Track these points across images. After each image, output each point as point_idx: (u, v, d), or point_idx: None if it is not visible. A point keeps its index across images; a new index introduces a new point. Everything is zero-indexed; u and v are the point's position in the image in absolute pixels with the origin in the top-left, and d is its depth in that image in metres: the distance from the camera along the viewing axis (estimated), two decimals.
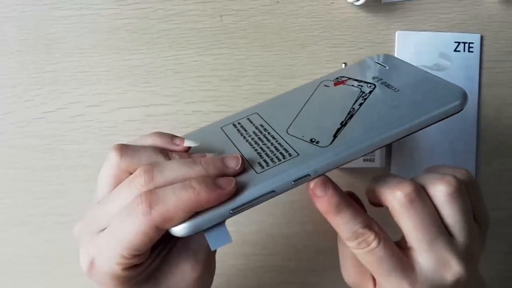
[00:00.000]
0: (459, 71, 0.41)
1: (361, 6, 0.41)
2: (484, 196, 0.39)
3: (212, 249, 0.23)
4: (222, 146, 0.27)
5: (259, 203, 0.24)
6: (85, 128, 0.41)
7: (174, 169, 0.23)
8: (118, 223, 0.22)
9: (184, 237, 0.23)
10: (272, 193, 0.24)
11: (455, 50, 0.41)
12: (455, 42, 0.41)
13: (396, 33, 0.41)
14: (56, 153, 0.41)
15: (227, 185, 0.23)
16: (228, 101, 0.41)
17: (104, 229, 0.23)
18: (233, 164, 0.24)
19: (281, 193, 0.24)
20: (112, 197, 0.24)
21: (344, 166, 0.39)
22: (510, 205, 0.42)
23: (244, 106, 0.40)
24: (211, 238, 0.23)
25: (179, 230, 0.22)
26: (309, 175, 0.24)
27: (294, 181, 0.24)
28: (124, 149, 0.25)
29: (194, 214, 0.22)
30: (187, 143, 0.26)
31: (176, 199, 0.22)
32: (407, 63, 0.33)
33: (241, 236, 0.41)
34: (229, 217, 0.23)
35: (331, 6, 0.41)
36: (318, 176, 0.25)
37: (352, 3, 0.40)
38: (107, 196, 0.24)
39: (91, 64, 0.41)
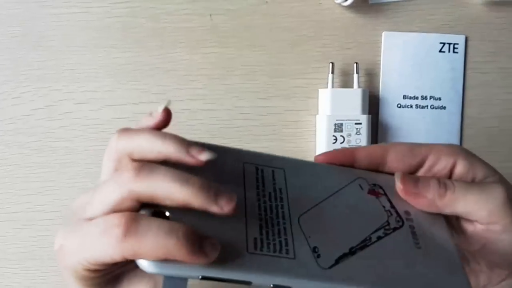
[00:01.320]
0: (444, 71, 0.42)
1: (349, 6, 0.41)
2: None
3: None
4: (234, 182, 0.24)
5: (231, 283, 0.21)
6: (73, 125, 0.41)
7: (165, 179, 0.21)
8: (92, 233, 0.21)
9: None
10: (247, 283, 0.21)
11: (440, 51, 0.42)
12: (440, 43, 0.42)
13: (383, 33, 0.42)
14: (44, 150, 0.41)
15: (211, 252, 0.20)
16: (216, 100, 0.41)
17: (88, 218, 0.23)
18: (223, 204, 0.21)
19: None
20: (101, 188, 0.23)
21: None
22: None
23: (234, 105, 0.41)
24: (168, 284, 0.21)
25: (145, 266, 0.20)
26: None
27: (274, 285, 0.21)
28: (123, 131, 0.23)
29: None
30: (203, 157, 0.22)
31: (154, 242, 0.20)
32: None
33: None
34: (195, 279, 0.21)
35: (319, 7, 0.41)
36: None
37: (339, 4, 0.41)
38: (101, 183, 0.24)
39: (80, 62, 0.41)
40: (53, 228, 0.41)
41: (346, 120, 0.40)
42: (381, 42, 0.42)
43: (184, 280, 0.21)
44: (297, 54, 0.42)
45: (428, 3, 0.42)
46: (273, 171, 0.26)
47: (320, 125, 0.40)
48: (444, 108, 0.42)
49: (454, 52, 0.42)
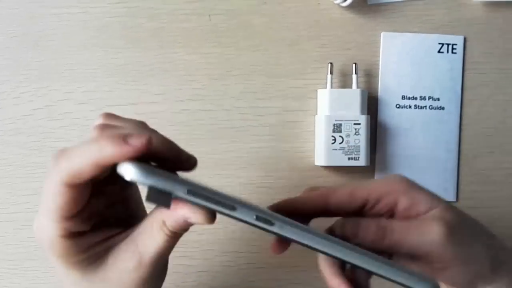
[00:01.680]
0: (443, 72, 0.42)
1: (347, 7, 0.41)
2: (465, 195, 0.40)
3: (145, 200, 0.21)
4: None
5: (219, 209, 0.22)
6: (73, 125, 0.41)
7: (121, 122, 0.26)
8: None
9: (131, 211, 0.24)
10: (231, 207, 0.22)
11: (439, 51, 0.42)
12: (439, 43, 0.42)
13: (382, 34, 0.42)
14: (43, 150, 0.41)
15: (136, 142, 0.21)
16: (216, 100, 0.41)
17: None
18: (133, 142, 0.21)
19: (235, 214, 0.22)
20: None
21: (329, 164, 0.40)
22: (492, 204, 0.43)
23: (232, 105, 0.41)
24: (152, 197, 0.21)
25: (127, 171, 0.20)
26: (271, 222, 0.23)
27: (257, 216, 0.22)
28: (59, 154, 0.23)
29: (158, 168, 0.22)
30: (139, 141, 0.22)
31: (80, 153, 0.21)
32: None
33: (227, 234, 0.42)
34: (182, 199, 0.21)
35: (318, 7, 0.42)
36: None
37: (338, 4, 0.41)
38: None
39: (80, 62, 0.41)
40: None
41: (345, 120, 0.40)
42: (379, 43, 0.42)
43: (168, 195, 0.21)
44: (295, 54, 0.42)
45: (426, 3, 0.42)
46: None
47: (319, 125, 0.40)
48: (443, 108, 0.42)
49: (452, 52, 0.42)
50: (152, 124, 0.41)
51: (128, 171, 0.20)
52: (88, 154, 0.21)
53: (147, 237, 0.24)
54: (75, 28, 0.41)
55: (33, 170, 0.41)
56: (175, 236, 0.24)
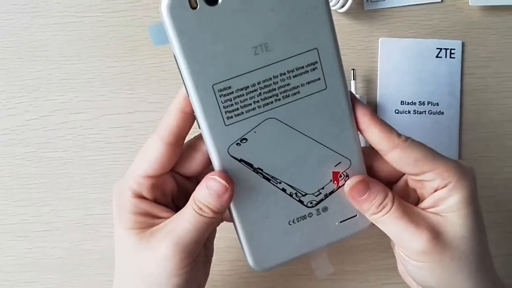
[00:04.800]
0: (441, 77, 0.42)
1: (345, 13, 0.41)
2: None
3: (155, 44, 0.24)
4: None
5: None
6: (69, 135, 0.41)
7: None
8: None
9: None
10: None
11: (437, 56, 0.42)
12: (437, 48, 0.42)
13: (379, 39, 0.42)
14: (40, 160, 0.41)
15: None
16: None
17: None
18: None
19: None
20: None
21: None
22: (493, 209, 0.43)
23: None
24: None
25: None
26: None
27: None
28: None
29: None
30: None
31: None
32: None
33: (226, 243, 0.41)
34: None
35: None
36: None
37: (335, 10, 0.41)
38: None
39: (75, 72, 0.40)
40: (49, 239, 0.41)
41: None
42: (377, 48, 0.42)
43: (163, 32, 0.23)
44: None
45: (423, 9, 0.42)
46: None
47: None
48: (442, 113, 0.42)
49: (451, 57, 0.42)
50: (149, 133, 0.40)
51: None
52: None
53: (180, 217, 0.25)
54: (70, 38, 0.40)
55: (29, 180, 0.41)
56: (206, 217, 0.25)
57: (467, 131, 0.42)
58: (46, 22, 0.40)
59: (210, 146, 0.25)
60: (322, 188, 0.27)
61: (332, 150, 0.26)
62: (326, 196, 0.27)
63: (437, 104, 0.42)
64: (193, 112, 0.24)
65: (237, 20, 0.23)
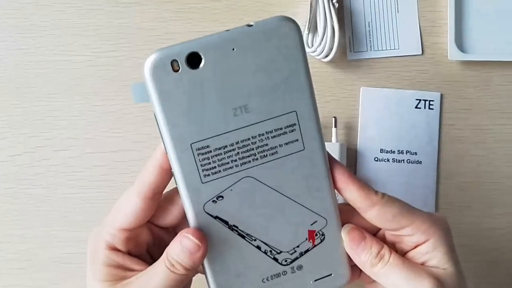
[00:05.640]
0: (420, 127, 0.43)
1: (329, 62, 0.42)
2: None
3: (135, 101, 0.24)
4: None
5: None
6: (51, 172, 0.41)
7: None
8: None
9: None
10: None
11: (416, 107, 0.43)
12: (416, 99, 0.43)
13: (361, 88, 0.43)
14: (19, 197, 0.40)
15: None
16: None
17: None
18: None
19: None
20: None
21: None
22: (467, 258, 0.44)
23: None
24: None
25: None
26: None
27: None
28: None
29: None
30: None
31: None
32: None
33: None
34: None
35: None
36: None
37: (319, 59, 0.42)
38: None
39: (61, 109, 0.41)
40: (25, 276, 0.40)
41: None
42: (358, 97, 0.43)
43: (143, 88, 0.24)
44: None
45: (404, 60, 0.43)
46: None
47: None
48: (420, 162, 0.43)
49: (429, 108, 0.44)
50: (131, 172, 0.41)
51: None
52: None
53: (153, 271, 0.26)
54: (58, 76, 0.41)
55: (5, 217, 0.40)
56: (177, 274, 0.25)
57: (445, 180, 0.43)
58: (35, 59, 0.41)
59: (186, 202, 0.25)
60: (298, 247, 0.27)
61: (308, 209, 0.26)
62: (301, 254, 0.27)
63: (416, 154, 0.43)
64: (171, 168, 0.25)
65: (217, 83, 0.24)
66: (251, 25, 0.24)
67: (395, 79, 0.43)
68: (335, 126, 0.41)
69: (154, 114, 0.24)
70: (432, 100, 0.44)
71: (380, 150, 0.43)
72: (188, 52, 0.23)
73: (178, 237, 0.25)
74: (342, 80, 0.43)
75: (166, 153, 0.24)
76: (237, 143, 0.24)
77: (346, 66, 0.43)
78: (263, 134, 0.25)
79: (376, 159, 0.43)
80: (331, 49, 0.41)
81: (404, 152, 0.43)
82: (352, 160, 0.43)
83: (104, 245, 0.27)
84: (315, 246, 0.27)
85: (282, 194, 0.26)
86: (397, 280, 0.26)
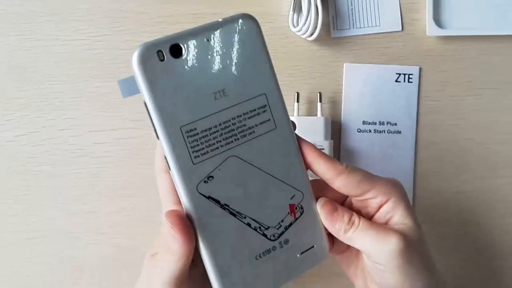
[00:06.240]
0: (400, 99, 0.46)
1: (313, 40, 0.45)
2: (420, 212, 0.44)
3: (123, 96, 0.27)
4: None
5: None
6: (55, 150, 0.44)
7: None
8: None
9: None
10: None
11: (396, 81, 0.46)
12: (396, 73, 0.46)
13: (344, 65, 0.46)
14: (27, 174, 0.43)
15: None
16: None
17: None
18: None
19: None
20: None
21: None
22: (443, 221, 0.47)
23: None
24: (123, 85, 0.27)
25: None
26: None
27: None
28: None
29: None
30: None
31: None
32: None
33: None
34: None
35: (286, 40, 0.45)
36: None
37: (305, 38, 0.44)
38: None
39: (62, 91, 0.43)
40: (35, 247, 0.44)
41: None
42: (342, 73, 0.46)
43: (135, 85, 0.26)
44: None
45: (385, 37, 0.46)
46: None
47: None
48: (400, 132, 0.46)
49: (409, 82, 0.46)
50: (131, 149, 0.44)
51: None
52: None
53: (164, 256, 0.28)
54: (56, 60, 0.43)
55: (15, 192, 0.43)
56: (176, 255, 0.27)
57: (422, 148, 0.47)
58: (33, 45, 0.43)
59: (180, 185, 0.27)
60: (282, 221, 0.29)
61: (287, 184, 0.29)
62: (286, 228, 0.29)
63: (396, 124, 0.46)
64: (164, 155, 0.27)
65: (198, 70, 0.27)
66: (220, 21, 0.27)
67: (376, 54, 0.46)
68: (320, 101, 0.44)
69: (145, 103, 0.26)
70: (411, 74, 0.46)
71: (363, 122, 0.46)
72: (171, 43, 0.26)
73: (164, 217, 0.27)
74: (326, 57, 0.45)
75: (158, 139, 0.26)
76: (219, 124, 0.27)
77: (330, 43, 0.45)
78: (240, 116, 0.28)
79: (359, 130, 0.46)
80: (315, 28, 0.44)
81: (385, 123, 0.46)
82: (336, 132, 0.46)
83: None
84: (296, 219, 0.30)
85: (263, 171, 0.29)
86: (367, 241, 0.30)
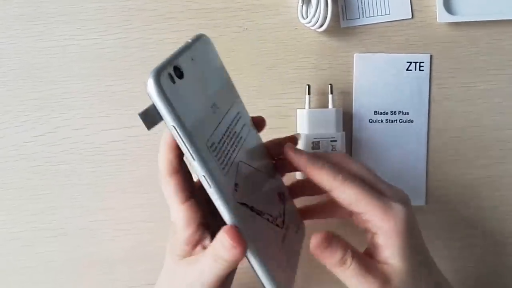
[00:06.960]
0: (411, 88, 0.46)
1: (323, 31, 0.45)
2: (433, 199, 0.44)
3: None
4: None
5: None
6: (71, 149, 0.44)
7: None
8: None
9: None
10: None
11: (407, 69, 0.46)
12: (407, 62, 0.46)
13: (354, 55, 0.45)
14: (46, 173, 0.44)
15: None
16: None
17: None
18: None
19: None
20: None
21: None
22: (457, 207, 0.48)
23: None
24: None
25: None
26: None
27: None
28: None
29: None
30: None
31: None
32: None
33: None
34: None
35: (296, 32, 0.45)
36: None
37: (314, 29, 0.44)
38: None
39: (75, 91, 0.44)
40: (55, 245, 0.45)
41: (322, 138, 0.43)
42: (353, 63, 0.46)
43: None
44: (275, 76, 0.45)
45: (394, 25, 0.46)
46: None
47: (299, 143, 0.44)
48: (412, 121, 0.46)
49: (420, 70, 0.46)
50: (145, 145, 0.44)
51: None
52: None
53: (207, 262, 0.29)
54: (69, 59, 0.43)
55: (35, 192, 0.44)
56: (221, 266, 0.28)
57: (435, 137, 0.47)
58: (46, 45, 0.43)
59: (221, 199, 0.26)
60: (280, 210, 0.32)
61: (271, 176, 0.33)
62: (284, 215, 0.32)
63: (408, 113, 0.46)
64: (196, 175, 0.27)
65: (197, 87, 0.28)
66: (190, 41, 0.29)
67: (386, 43, 0.46)
68: (331, 93, 0.44)
69: (174, 127, 0.25)
70: (423, 62, 0.46)
71: (374, 112, 0.46)
72: (173, 65, 0.26)
73: (219, 235, 0.27)
74: (336, 48, 0.45)
75: (194, 160, 0.26)
76: (224, 134, 0.29)
77: (340, 34, 0.45)
78: (230, 124, 0.30)
79: (370, 120, 0.46)
80: (325, 18, 0.43)
81: (397, 112, 0.46)
82: (348, 123, 0.46)
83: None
84: (284, 206, 0.33)
85: (257, 169, 0.31)
86: (351, 283, 0.29)
